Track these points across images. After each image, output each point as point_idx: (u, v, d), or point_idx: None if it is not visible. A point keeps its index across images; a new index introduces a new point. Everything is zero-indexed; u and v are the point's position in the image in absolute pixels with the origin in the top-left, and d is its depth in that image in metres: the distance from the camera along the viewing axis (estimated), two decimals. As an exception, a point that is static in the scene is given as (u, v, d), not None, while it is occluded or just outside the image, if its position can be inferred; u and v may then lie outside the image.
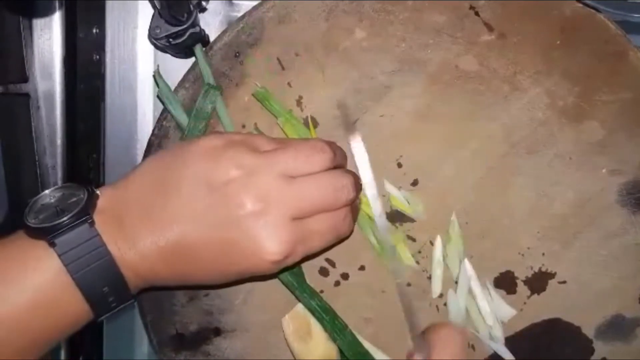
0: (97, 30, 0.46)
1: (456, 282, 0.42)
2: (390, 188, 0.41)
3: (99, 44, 0.46)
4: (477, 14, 0.40)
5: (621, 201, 0.41)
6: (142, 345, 0.47)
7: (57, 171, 0.47)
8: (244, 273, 0.34)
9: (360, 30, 0.40)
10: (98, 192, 0.33)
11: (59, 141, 0.47)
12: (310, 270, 0.42)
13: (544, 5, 0.39)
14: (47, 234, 0.31)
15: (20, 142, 0.46)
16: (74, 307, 0.32)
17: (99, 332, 0.48)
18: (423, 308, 0.42)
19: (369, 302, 0.42)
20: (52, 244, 0.31)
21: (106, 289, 0.32)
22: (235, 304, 0.42)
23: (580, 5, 0.39)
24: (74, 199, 0.32)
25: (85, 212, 0.32)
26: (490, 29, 0.40)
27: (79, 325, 0.33)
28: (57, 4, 0.47)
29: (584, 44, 0.40)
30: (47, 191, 0.34)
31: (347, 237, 0.38)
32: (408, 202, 0.41)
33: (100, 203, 0.33)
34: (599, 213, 0.41)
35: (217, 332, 0.43)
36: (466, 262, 0.41)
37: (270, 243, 0.32)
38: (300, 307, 0.41)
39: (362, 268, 0.42)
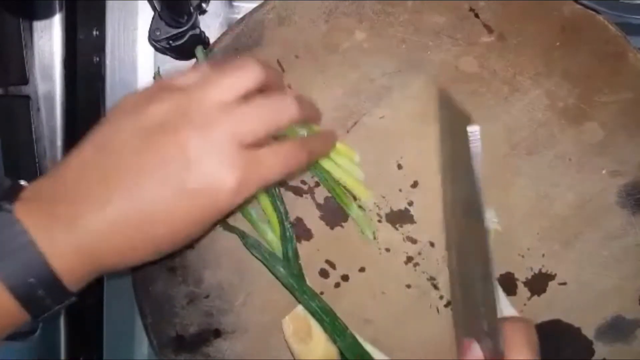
0: (97, 32, 0.46)
1: None
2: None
3: (99, 46, 0.46)
4: (476, 15, 0.40)
5: (621, 202, 0.41)
6: (142, 347, 0.47)
7: (57, 173, 0.47)
8: (205, 217, 0.32)
9: (360, 31, 0.40)
10: (24, 183, 0.32)
11: (59, 143, 0.47)
12: (310, 271, 0.42)
13: (543, 6, 0.39)
14: None
15: (20, 143, 0.46)
16: (4, 307, 0.29)
17: (99, 333, 0.48)
18: (423, 310, 0.42)
19: (370, 303, 0.42)
20: None
21: (33, 280, 0.29)
22: (235, 305, 0.42)
23: (580, 6, 0.39)
24: None
25: (3, 200, 0.30)
26: (489, 30, 0.40)
27: (14, 323, 0.31)
28: (57, 6, 0.47)
29: (584, 45, 0.40)
30: None
31: (298, 169, 0.36)
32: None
33: (26, 193, 0.31)
34: (599, 214, 0.41)
35: (217, 333, 0.43)
36: None
37: (224, 172, 0.31)
38: (300, 308, 0.41)
39: (362, 269, 0.42)
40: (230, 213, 0.34)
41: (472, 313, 0.36)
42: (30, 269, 0.29)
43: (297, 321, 0.41)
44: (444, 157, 0.40)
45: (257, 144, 0.32)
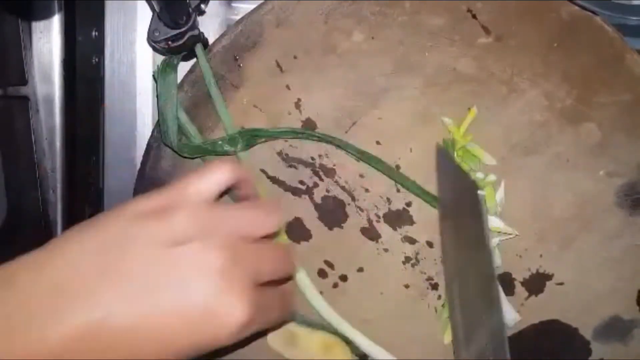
0: (97, 33, 0.46)
1: None
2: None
3: (98, 47, 0.46)
4: (474, 16, 0.40)
5: (619, 203, 0.41)
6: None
7: (57, 174, 0.47)
8: (196, 348, 0.29)
9: (359, 32, 0.40)
10: None
11: (58, 144, 0.47)
12: (308, 272, 0.42)
13: (541, 7, 0.40)
14: None
15: (19, 145, 0.47)
16: None
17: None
18: (421, 310, 0.42)
19: (368, 303, 0.42)
20: None
21: None
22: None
23: (578, 8, 0.39)
24: None
25: None
26: (487, 31, 0.40)
27: None
28: (56, 7, 0.47)
29: (582, 46, 0.40)
30: None
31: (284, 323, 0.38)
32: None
33: None
34: (597, 215, 0.41)
35: (216, 334, 0.43)
36: None
37: (239, 304, 0.29)
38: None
39: (360, 270, 0.42)
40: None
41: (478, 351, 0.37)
42: None
43: (280, 334, 0.41)
44: (444, 209, 0.41)
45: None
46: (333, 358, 0.41)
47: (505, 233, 0.41)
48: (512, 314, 0.42)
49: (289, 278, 0.35)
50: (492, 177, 0.41)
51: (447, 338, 0.42)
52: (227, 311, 0.29)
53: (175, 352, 0.29)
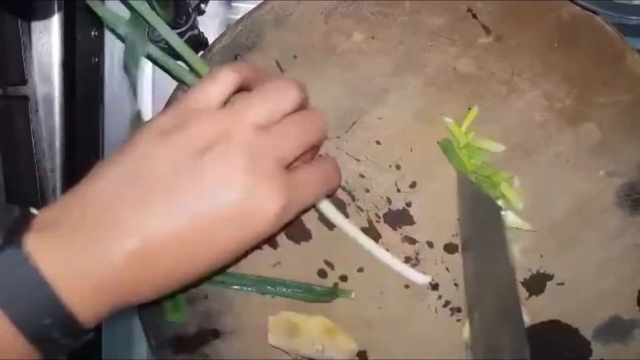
0: (96, 33, 0.46)
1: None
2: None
3: (98, 47, 0.46)
4: (474, 16, 0.40)
5: (619, 203, 0.41)
6: (141, 347, 0.47)
7: (56, 174, 0.47)
8: (242, 243, 0.31)
9: (359, 32, 0.40)
10: (35, 211, 0.29)
11: (57, 144, 0.47)
12: (308, 272, 0.42)
13: (541, 7, 0.39)
14: None
15: (18, 145, 0.46)
16: (14, 343, 0.27)
17: (98, 333, 0.48)
18: (421, 310, 0.42)
19: (368, 303, 0.42)
20: None
21: (47, 322, 0.27)
22: (234, 306, 0.42)
23: (578, 7, 0.39)
24: (4, 222, 0.28)
25: (13, 232, 0.27)
26: (487, 31, 0.40)
27: None
28: (56, 7, 0.47)
29: (582, 46, 0.40)
30: None
31: (335, 189, 0.38)
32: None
33: (38, 222, 0.28)
34: (597, 215, 0.41)
35: (216, 334, 0.43)
36: None
37: (269, 195, 0.30)
38: (272, 319, 0.42)
39: (360, 270, 0.42)
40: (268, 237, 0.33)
41: None
42: (45, 311, 0.27)
43: (279, 327, 0.42)
44: (466, 238, 0.41)
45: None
46: (336, 342, 0.41)
47: (522, 229, 0.41)
48: (525, 318, 0.42)
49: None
50: (508, 173, 0.41)
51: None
52: (260, 205, 0.30)
53: (224, 251, 0.31)
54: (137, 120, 0.41)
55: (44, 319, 0.27)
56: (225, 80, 0.32)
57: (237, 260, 0.35)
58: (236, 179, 0.30)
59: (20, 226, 0.28)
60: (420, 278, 0.41)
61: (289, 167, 0.32)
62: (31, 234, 0.27)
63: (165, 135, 0.30)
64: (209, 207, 0.29)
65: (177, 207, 0.29)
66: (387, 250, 0.42)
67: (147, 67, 0.45)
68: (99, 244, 0.28)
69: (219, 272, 0.38)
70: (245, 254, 0.35)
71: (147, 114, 0.46)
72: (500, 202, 0.41)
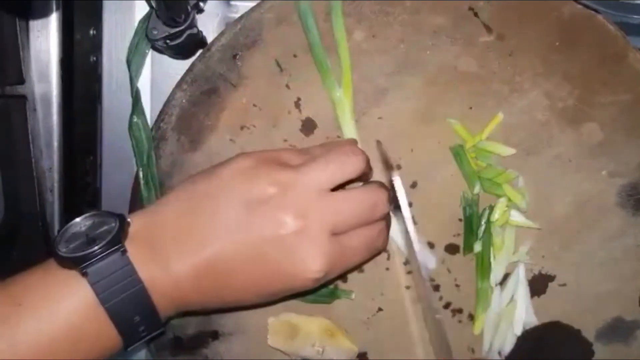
0: (94, 32, 0.46)
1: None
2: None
3: (96, 46, 0.45)
4: (476, 15, 0.40)
5: (621, 203, 0.41)
6: (140, 348, 0.47)
7: (54, 174, 0.47)
8: (281, 292, 0.34)
9: (359, 31, 0.40)
10: (129, 219, 0.33)
11: (55, 143, 0.47)
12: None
13: (543, 6, 0.39)
14: (78, 263, 0.31)
15: (16, 144, 0.46)
16: (104, 336, 0.32)
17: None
18: (421, 311, 0.42)
19: (368, 304, 0.42)
20: (84, 274, 0.31)
21: (137, 318, 0.32)
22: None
23: (580, 6, 0.39)
24: (105, 227, 0.32)
25: (117, 241, 0.31)
26: (489, 30, 0.40)
27: (108, 354, 0.33)
28: (54, 6, 0.46)
29: (584, 45, 0.40)
30: (77, 219, 0.34)
31: (380, 253, 0.39)
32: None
33: (131, 230, 0.33)
34: (599, 215, 0.41)
35: (215, 335, 0.43)
36: (521, 266, 0.41)
37: (312, 260, 0.32)
38: (271, 320, 0.42)
39: (361, 271, 0.42)
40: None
41: None
42: (137, 309, 0.32)
43: (278, 328, 0.41)
44: None
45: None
46: (336, 343, 0.41)
47: (526, 228, 0.41)
48: (531, 317, 0.41)
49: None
50: (512, 172, 0.40)
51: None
52: (303, 266, 0.32)
53: (264, 291, 0.34)
54: (135, 128, 0.41)
55: (136, 316, 0.32)
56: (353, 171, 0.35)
57: (270, 303, 0.40)
58: (283, 237, 0.32)
59: (120, 234, 0.32)
60: (430, 261, 0.41)
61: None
62: (128, 242, 0.32)
63: (241, 178, 0.33)
64: (254, 256, 0.33)
65: (230, 248, 0.33)
66: (387, 251, 0.41)
67: (146, 67, 0.45)
68: (169, 261, 0.32)
69: (253, 307, 0.41)
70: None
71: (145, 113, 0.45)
72: (504, 201, 0.40)
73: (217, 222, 0.33)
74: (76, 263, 0.31)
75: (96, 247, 0.31)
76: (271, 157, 0.35)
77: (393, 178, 0.39)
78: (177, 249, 0.33)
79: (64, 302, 0.31)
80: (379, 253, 0.39)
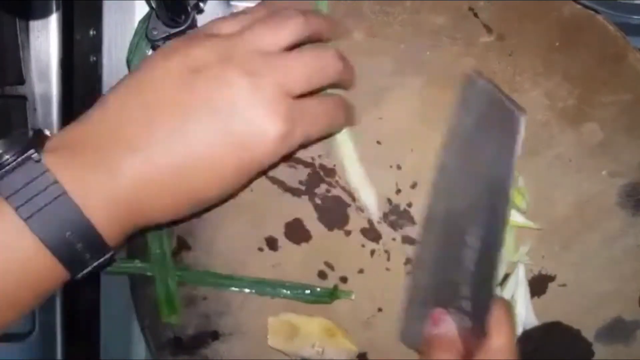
0: (94, 32, 0.46)
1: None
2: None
3: (96, 46, 0.45)
4: (476, 15, 0.40)
5: (621, 203, 0.41)
6: (139, 349, 0.47)
7: (54, 174, 0.47)
8: (244, 167, 0.31)
9: (359, 32, 0.40)
10: (47, 132, 0.30)
11: (55, 144, 0.47)
12: (308, 273, 0.42)
13: (543, 6, 0.39)
14: None
15: (16, 144, 0.46)
16: (37, 257, 0.28)
17: (96, 334, 0.47)
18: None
19: (369, 305, 0.42)
20: None
21: (69, 234, 0.28)
22: (233, 307, 0.42)
23: (580, 6, 0.39)
24: (18, 142, 0.29)
25: (29, 149, 0.28)
26: (489, 30, 0.40)
27: (54, 282, 0.30)
28: (54, 6, 0.46)
29: (584, 45, 0.40)
30: None
31: (342, 127, 0.37)
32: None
33: (52, 142, 0.30)
34: (599, 215, 0.41)
35: (215, 335, 0.43)
36: (521, 266, 0.41)
37: (268, 118, 0.30)
38: (271, 320, 0.42)
39: (361, 271, 0.42)
40: (270, 167, 0.33)
41: (448, 289, 0.35)
42: (66, 223, 0.28)
43: (278, 328, 0.41)
44: (454, 134, 0.39)
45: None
46: (336, 343, 0.41)
47: (527, 228, 0.41)
48: (531, 318, 0.41)
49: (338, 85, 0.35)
50: None
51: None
52: (259, 128, 0.30)
53: (223, 176, 0.31)
54: None
55: (67, 232, 0.28)
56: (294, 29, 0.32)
57: (238, 190, 0.34)
58: (230, 99, 0.30)
59: (36, 144, 0.28)
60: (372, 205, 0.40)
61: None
62: (47, 152, 0.28)
63: (172, 55, 0.31)
64: (206, 126, 0.29)
65: (180, 128, 0.29)
66: (387, 251, 0.41)
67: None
68: (109, 162, 0.29)
69: (220, 204, 0.36)
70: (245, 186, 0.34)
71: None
72: None
73: (157, 108, 0.30)
74: None
75: (6, 156, 0.28)
76: (204, 32, 0.32)
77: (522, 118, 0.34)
78: (115, 150, 0.29)
79: None
80: (341, 126, 0.37)
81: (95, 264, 0.30)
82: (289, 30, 0.32)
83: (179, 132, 0.30)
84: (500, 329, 0.31)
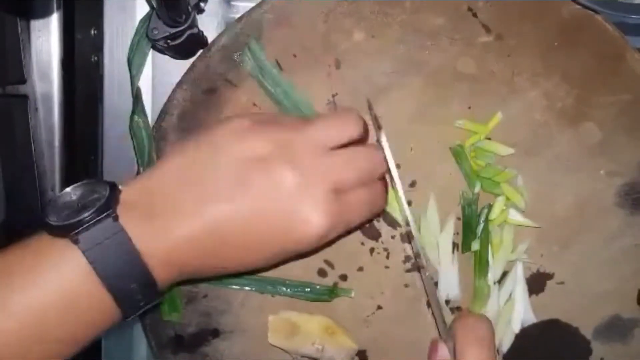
0: (95, 32, 0.46)
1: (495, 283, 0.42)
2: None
3: (97, 45, 0.45)
4: (474, 15, 0.40)
5: (619, 203, 0.41)
6: (141, 347, 0.47)
7: (55, 173, 0.47)
8: (282, 252, 0.34)
9: (359, 32, 0.40)
10: (120, 186, 0.33)
11: (57, 143, 0.47)
12: (308, 271, 0.42)
13: (541, 6, 0.39)
14: (69, 231, 0.30)
15: (18, 144, 0.46)
16: (101, 305, 0.31)
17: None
18: (420, 310, 0.42)
19: (368, 303, 0.42)
20: (75, 241, 0.30)
21: (134, 285, 0.31)
22: (234, 305, 0.42)
23: (578, 6, 0.39)
24: (96, 195, 0.32)
25: (108, 207, 0.31)
26: (488, 30, 0.40)
27: (108, 325, 0.32)
28: (55, 5, 0.46)
29: (582, 45, 0.40)
30: (68, 189, 0.33)
31: (380, 214, 0.39)
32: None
33: (124, 197, 0.32)
34: (597, 214, 0.41)
35: (216, 333, 0.43)
36: (520, 264, 0.41)
37: (315, 215, 0.32)
38: (272, 318, 0.42)
39: (360, 269, 0.42)
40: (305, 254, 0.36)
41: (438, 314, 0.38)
42: (133, 277, 0.31)
43: (278, 326, 0.42)
44: None
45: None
46: (336, 341, 0.41)
47: (525, 226, 0.41)
48: (529, 315, 0.42)
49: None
50: (512, 171, 0.41)
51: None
52: (305, 222, 0.32)
53: (267, 252, 0.33)
54: (136, 127, 0.41)
55: (132, 284, 0.31)
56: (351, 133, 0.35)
57: (274, 266, 0.39)
58: (280, 191, 0.32)
59: (111, 201, 0.31)
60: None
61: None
62: (120, 209, 0.31)
63: (235, 138, 0.33)
64: (252, 213, 0.32)
65: (228, 208, 0.32)
66: (387, 249, 0.42)
67: (147, 66, 0.45)
68: (168, 225, 0.32)
69: (255, 273, 0.41)
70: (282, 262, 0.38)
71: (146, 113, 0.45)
72: (502, 199, 0.41)
73: (212, 184, 0.32)
74: (67, 230, 0.30)
75: (86, 214, 0.30)
76: (267, 118, 0.35)
77: (381, 139, 0.38)
78: (173, 213, 0.32)
79: (56, 270, 0.30)
80: (379, 215, 0.40)
81: (146, 307, 0.33)
82: (348, 132, 0.35)
83: (224, 212, 0.32)
84: (463, 349, 0.32)
